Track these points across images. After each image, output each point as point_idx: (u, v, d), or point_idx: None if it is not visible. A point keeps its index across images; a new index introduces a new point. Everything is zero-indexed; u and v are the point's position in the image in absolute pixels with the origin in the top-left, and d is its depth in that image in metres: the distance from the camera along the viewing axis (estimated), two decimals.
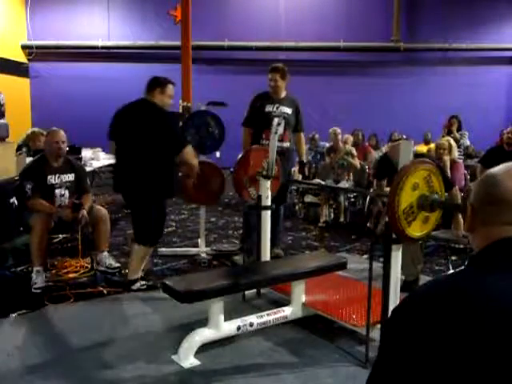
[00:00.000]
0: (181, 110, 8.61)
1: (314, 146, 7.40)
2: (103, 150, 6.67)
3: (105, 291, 3.70)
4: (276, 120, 3.56)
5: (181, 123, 7.90)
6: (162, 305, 3.34)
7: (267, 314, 2.97)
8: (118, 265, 4.12)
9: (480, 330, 0.75)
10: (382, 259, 2.65)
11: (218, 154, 4.91)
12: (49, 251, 3.96)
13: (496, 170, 0.91)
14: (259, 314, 2.95)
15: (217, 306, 2.72)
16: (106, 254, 4.08)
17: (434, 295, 0.82)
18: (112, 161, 6.63)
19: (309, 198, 6.50)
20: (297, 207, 6.62)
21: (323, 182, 6.20)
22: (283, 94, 4.33)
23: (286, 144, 4.32)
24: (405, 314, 0.83)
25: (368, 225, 5.42)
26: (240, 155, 3.80)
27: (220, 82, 10.46)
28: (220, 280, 2.73)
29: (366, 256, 4.65)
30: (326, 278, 3.38)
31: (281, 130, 3.86)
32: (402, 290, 2.65)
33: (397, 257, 2.55)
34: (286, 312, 3.06)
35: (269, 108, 4.28)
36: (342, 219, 6.04)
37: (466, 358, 0.75)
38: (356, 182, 6.10)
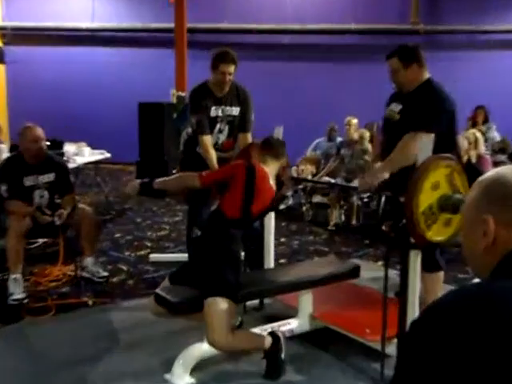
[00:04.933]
0: (174, 101, 8.68)
1: (332, 138, 7.21)
2: (89, 145, 6.67)
3: (90, 302, 3.71)
4: (276, 130, 3.47)
5: (174, 115, 8.01)
6: (154, 317, 3.34)
7: (271, 328, 2.97)
8: (105, 273, 4.13)
9: None
10: (398, 266, 2.66)
11: None
12: (27, 258, 3.97)
13: (504, 169, 0.94)
14: (262, 328, 2.96)
15: None
16: (91, 259, 4.09)
17: (459, 307, 0.82)
18: (98, 157, 6.71)
19: (317, 198, 6.50)
20: (304, 208, 6.62)
21: (333, 180, 6.20)
22: (227, 88, 3.87)
23: (231, 152, 4.00)
24: (426, 328, 0.83)
25: (383, 228, 5.43)
26: (238, 152, 3.79)
27: None
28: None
29: (380, 263, 4.65)
30: (337, 287, 3.37)
31: (223, 137, 3.88)
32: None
33: (415, 263, 2.55)
34: (292, 325, 3.07)
35: (214, 111, 3.85)
36: (354, 222, 6.04)
37: (499, 376, 0.74)
38: None
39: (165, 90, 8.92)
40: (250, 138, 3.99)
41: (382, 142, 3.50)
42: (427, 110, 2.96)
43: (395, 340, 2.68)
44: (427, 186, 2.37)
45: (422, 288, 2.98)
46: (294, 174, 6.21)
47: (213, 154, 3.81)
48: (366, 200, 6.33)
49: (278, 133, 3.53)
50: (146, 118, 8.08)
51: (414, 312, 2.53)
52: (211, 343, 2.52)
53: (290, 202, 7.11)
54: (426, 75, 3.10)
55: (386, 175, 2.94)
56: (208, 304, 2.52)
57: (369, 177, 3.08)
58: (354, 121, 6.64)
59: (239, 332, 2.79)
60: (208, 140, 3.82)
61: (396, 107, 3.15)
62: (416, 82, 3.07)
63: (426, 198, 2.37)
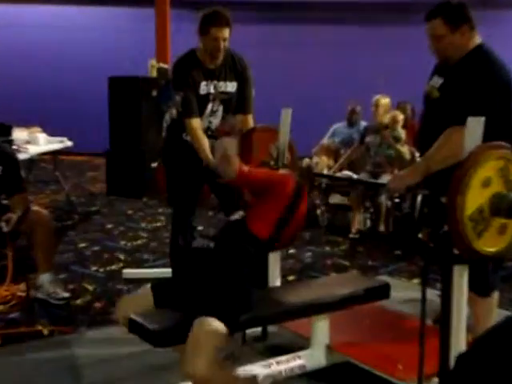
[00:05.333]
0: (154, 74, 8.69)
1: (352, 123, 7.23)
2: (45, 131, 6.68)
3: (45, 331, 3.71)
4: (283, 113, 3.46)
5: (154, 93, 8.02)
6: (129, 349, 3.34)
7: (277, 363, 2.96)
8: (65, 294, 4.13)
9: None
10: (439, 285, 2.64)
11: None
12: None
13: None
14: (266, 363, 2.95)
15: None
16: (48, 276, 4.09)
17: None
18: (57, 146, 6.71)
19: (335, 199, 6.51)
20: (318, 211, 6.62)
21: (356, 176, 6.20)
22: (220, 58, 3.86)
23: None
24: (475, 365, 0.83)
25: (420, 236, 5.41)
26: (238, 139, 3.79)
27: None
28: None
29: (416, 280, 4.64)
30: (360, 311, 3.36)
31: (217, 121, 3.89)
32: None
33: (461, 282, 2.54)
34: (304, 359, 3.06)
35: (204, 87, 3.87)
36: (382, 228, 6.04)
37: None
38: None
39: (142, 60, 8.92)
40: (251, 121, 3.99)
41: (419, 126, 3.50)
42: (475, 86, 2.94)
43: (435, 380, 2.68)
44: (476, 183, 2.36)
45: (470, 313, 2.97)
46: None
47: (205, 142, 3.80)
48: (397, 201, 6.31)
49: (286, 117, 3.53)
50: (117, 97, 8.08)
51: (459, 344, 2.52)
52: (188, 371, 2.49)
53: None
54: (477, 40, 3.07)
55: (418, 179, 2.93)
56: (196, 324, 2.51)
57: (398, 180, 3.06)
58: (385, 100, 6.62)
59: (226, 367, 2.77)
60: (197, 123, 3.82)
61: (436, 81, 3.13)
62: (464, 50, 3.03)
63: (475, 198, 2.36)
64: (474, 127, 2.52)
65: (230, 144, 2.99)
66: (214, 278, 2.72)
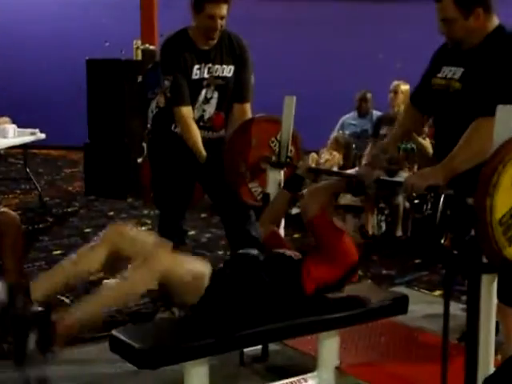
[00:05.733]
0: (139, 57, 8.69)
1: (364, 112, 7.30)
2: (14, 121, 6.68)
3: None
4: (286, 102, 3.50)
5: (140, 78, 8.02)
6: (110, 372, 3.35)
7: None
8: (38, 308, 4.12)
9: None
10: (464, 297, 2.65)
11: None
12: None
13: None
14: None
15: (197, 374, 2.72)
16: None
17: None
18: (28, 138, 6.69)
19: (346, 199, 6.50)
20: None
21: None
22: (216, 39, 3.85)
23: (222, 132, 4.05)
24: None
25: (442, 242, 5.41)
26: (233, 130, 3.80)
27: None
28: (203, 330, 2.73)
29: (438, 292, 4.65)
30: (374, 327, 3.37)
31: (211, 109, 3.87)
32: None
33: (489, 294, 2.54)
34: (310, 382, 3.06)
35: (197, 72, 3.87)
36: (399, 232, 6.04)
37: None
38: None
39: (125, 41, 8.92)
40: (249, 110, 3.99)
41: (434, 128, 3.48)
42: (504, 71, 2.94)
43: None
44: (507, 181, 2.36)
45: (501, 329, 2.97)
46: (313, 164, 6.20)
47: (196, 133, 3.80)
48: (416, 201, 6.32)
49: (289, 105, 3.53)
50: (97, 82, 8.09)
51: (487, 365, 2.52)
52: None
53: None
54: (495, 21, 3.04)
55: (442, 181, 2.92)
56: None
57: (418, 177, 3.05)
58: (405, 87, 6.61)
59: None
60: (187, 112, 3.82)
61: (453, 72, 3.11)
62: (481, 33, 3.01)
63: (506, 199, 2.36)
64: (505, 116, 2.52)
65: (332, 185, 3.16)
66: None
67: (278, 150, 3.56)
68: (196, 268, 2.83)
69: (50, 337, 2.62)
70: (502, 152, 2.39)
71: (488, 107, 2.71)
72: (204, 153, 3.75)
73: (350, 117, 7.33)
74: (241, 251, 3.03)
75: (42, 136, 6.96)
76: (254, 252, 3.00)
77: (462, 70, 3.07)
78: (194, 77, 3.83)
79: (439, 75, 3.15)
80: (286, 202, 3.40)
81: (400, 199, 6.05)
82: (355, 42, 10.39)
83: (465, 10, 2.95)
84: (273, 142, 3.63)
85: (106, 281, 2.80)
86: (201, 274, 2.78)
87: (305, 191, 3.18)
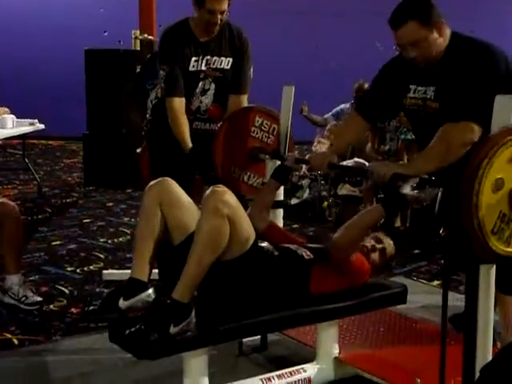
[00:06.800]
0: (138, 47, 8.67)
1: None
2: (13, 112, 6.68)
3: (15, 340, 3.71)
4: (285, 91, 3.50)
5: (138, 68, 7.99)
6: (109, 362, 3.35)
7: (278, 376, 2.96)
8: (37, 298, 4.13)
9: None
10: (463, 288, 2.65)
11: None
12: None
13: None
14: (265, 376, 2.95)
15: (197, 364, 2.72)
16: (17, 278, 4.09)
17: None
18: (27, 129, 6.69)
19: (344, 190, 6.50)
20: (325, 204, 6.63)
21: (368, 163, 6.19)
22: (216, 31, 3.84)
23: (220, 124, 3.99)
24: (504, 376, 0.84)
25: (441, 232, 5.40)
26: (221, 123, 3.81)
27: None
28: (201, 320, 2.74)
29: (437, 282, 4.65)
30: (373, 317, 3.37)
31: (208, 101, 3.86)
32: None
33: (488, 284, 2.55)
34: (309, 372, 3.06)
35: (194, 63, 3.85)
36: (397, 223, 6.03)
37: None
38: None
39: (123, 31, 8.91)
40: (245, 101, 3.97)
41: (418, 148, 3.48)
42: (476, 82, 2.88)
43: None
44: (503, 158, 2.35)
45: (499, 318, 2.97)
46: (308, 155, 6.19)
47: (182, 124, 3.79)
48: (415, 192, 6.30)
49: (288, 94, 3.52)
50: (96, 73, 8.07)
51: (485, 354, 2.52)
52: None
53: (306, 194, 7.12)
54: (448, 30, 3.00)
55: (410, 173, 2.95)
56: None
57: (385, 165, 3.08)
58: None
59: None
60: (179, 104, 3.80)
61: (426, 91, 3.06)
62: (442, 45, 2.97)
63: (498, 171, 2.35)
64: (503, 106, 2.52)
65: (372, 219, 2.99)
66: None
67: (263, 138, 3.57)
68: (250, 228, 2.77)
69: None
70: (493, 138, 2.39)
71: (455, 113, 2.78)
72: (189, 144, 3.73)
73: (348, 106, 7.34)
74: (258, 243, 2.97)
75: (41, 126, 6.96)
76: (266, 244, 2.96)
77: (432, 88, 3.04)
78: (191, 69, 3.83)
79: (410, 95, 3.14)
80: (274, 192, 3.37)
81: (402, 190, 6.03)
82: (353, 30, 10.40)
83: (430, 26, 2.91)
84: (253, 131, 3.64)
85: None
86: (248, 237, 2.73)
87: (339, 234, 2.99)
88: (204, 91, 3.87)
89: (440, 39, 2.95)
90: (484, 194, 2.33)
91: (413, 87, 3.11)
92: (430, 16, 2.91)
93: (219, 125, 3.95)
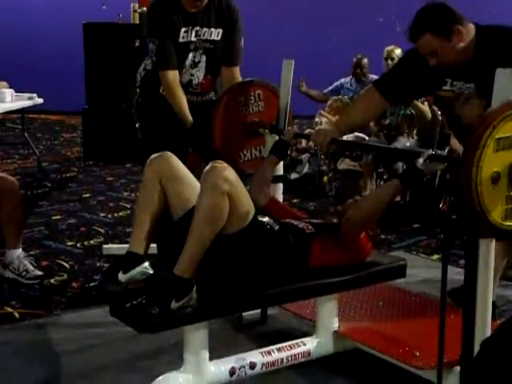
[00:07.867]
0: (137, 21, 8.61)
1: (361, 77, 7.28)
2: (11, 86, 6.64)
3: (16, 314, 3.72)
4: (284, 65, 3.48)
5: (137, 42, 7.95)
6: (110, 335, 3.37)
7: (278, 350, 2.97)
8: (38, 272, 4.14)
9: None
10: (463, 261, 2.65)
11: None
12: None
13: None
14: (265, 350, 2.96)
15: (197, 337, 2.73)
16: (18, 252, 4.10)
17: None
18: (26, 103, 6.67)
19: (344, 164, 6.49)
20: (325, 179, 6.62)
21: (368, 138, 6.18)
22: (205, 1, 3.77)
23: (211, 95, 4.03)
24: (503, 350, 0.84)
25: (441, 206, 5.40)
26: (219, 97, 3.78)
27: None
28: (201, 293, 2.74)
29: (436, 256, 4.67)
30: (373, 291, 3.38)
31: (200, 74, 3.84)
32: None
33: (487, 258, 2.55)
34: (309, 345, 3.08)
35: (184, 35, 3.80)
36: (397, 197, 6.03)
37: None
38: (423, 139, 6.07)
39: (122, 4, 8.84)
40: (237, 73, 3.94)
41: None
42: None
43: (457, 368, 2.69)
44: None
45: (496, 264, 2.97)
46: (308, 130, 6.18)
47: (181, 99, 3.76)
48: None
49: (288, 68, 3.50)
50: (94, 46, 8.02)
51: (485, 328, 2.54)
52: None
53: (306, 169, 7.11)
54: (472, 27, 3.03)
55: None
56: None
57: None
58: (397, 51, 6.58)
59: None
60: (173, 76, 3.77)
61: (461, 87, 3.10)
62: (470, 44, 3.01)
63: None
64: (504, 80, 2.51)
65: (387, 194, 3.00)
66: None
67: (262, 112, 3.60)
68: (250, 203, 2.74)
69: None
70: (491, 114, 2.39)
71: None
72: (190, 119, 3.72)
73: (347, 81, 7.32)
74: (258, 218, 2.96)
75: (40, 101, 6.93)
76: (266, 219, 2.94)
77: (469, 85, 3.08)
78: (181, 40, 3.77)
79: (446, 88, 3.17)
80: (273, 167, 3.37)
81: (399, 164, 6.03)
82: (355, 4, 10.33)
83: (445, 35, 2.96)
84: (253, 105, 3.65)
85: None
86: (248, 212, 2.70)
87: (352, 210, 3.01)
88: (195, 64, 3.83)
89: (459, 44, 2.99)
90: (485, 164, 2.35)
91: (449, 81, 3.14)
92: (445, 25, 2.96)
93: (209, 95, 3.94)
